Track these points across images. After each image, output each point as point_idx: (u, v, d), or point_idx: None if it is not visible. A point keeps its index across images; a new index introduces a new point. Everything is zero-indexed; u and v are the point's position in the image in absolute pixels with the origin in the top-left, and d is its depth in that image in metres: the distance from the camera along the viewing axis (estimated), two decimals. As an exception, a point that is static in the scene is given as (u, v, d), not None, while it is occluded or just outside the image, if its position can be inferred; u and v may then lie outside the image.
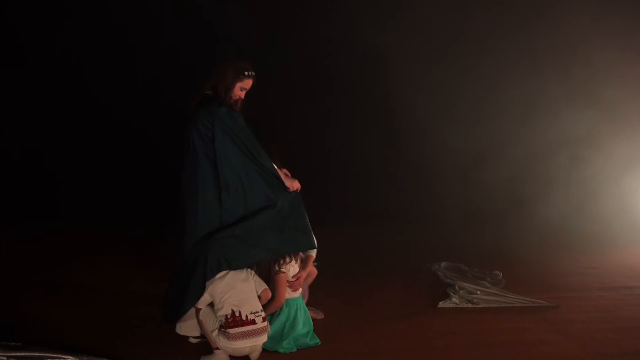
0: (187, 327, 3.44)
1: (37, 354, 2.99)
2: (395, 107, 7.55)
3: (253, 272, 3.33)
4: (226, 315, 3.12)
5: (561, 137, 7.28)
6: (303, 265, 3.64)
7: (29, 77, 7.21)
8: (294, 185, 3.56)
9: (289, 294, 3.51)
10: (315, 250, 3.72)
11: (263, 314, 3.22)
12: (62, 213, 7.14)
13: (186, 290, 3.18)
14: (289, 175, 3.62)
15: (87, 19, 7.20)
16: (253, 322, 3.13)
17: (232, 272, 3.21)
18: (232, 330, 3.08)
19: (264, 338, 3.19)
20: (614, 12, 6.81)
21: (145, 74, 7.36)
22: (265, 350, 3.29)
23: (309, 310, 3.74)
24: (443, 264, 5.44)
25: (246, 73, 3.36)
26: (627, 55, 6.92)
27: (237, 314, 3.11)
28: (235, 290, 3.17)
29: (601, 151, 7.25)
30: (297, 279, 3.53)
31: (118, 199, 7.27)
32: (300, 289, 3.61)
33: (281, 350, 3.33)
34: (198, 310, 3.22)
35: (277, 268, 3.44)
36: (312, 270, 3.69)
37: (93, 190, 7.37)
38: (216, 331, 3.13)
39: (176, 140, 3.50)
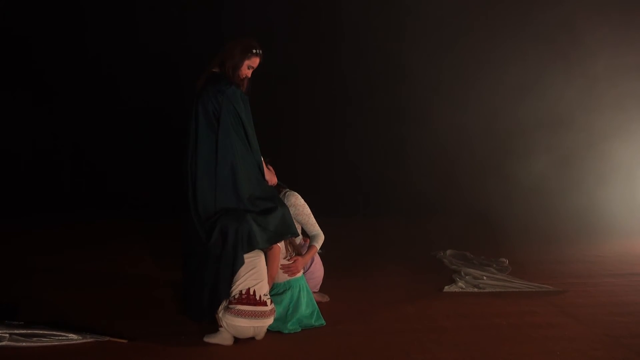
0: None
1: (40, 332, 2.98)
2: (406, 106, 7.57)
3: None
4: (240, 292, 3.09)
5: (567, 128, 7.27)
6: (305, 252, 3.63)
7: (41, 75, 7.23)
8: (272, 180, 3.57)
9: (286, 276, 3.47)
10: (320, 242, 3.70)
11: (270, 297, 3.19)
12: (71, 203, 7.18)
13: (218, 273, 3.11)
14: (273, 172, 3.64)
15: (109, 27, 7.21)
16: (264, 303, 3.11)
17: (256, 252, 3.20)
18: (242, 307, 3.05)
19: (270, 321, 3.15)
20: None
21: (165, 60, 7.31)
22: (269, 330, 3.25)
23: (314, 294, 3.71)
24: (449, 252, 5.41)
25: (254, 51, 3.32)
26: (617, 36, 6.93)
27: (251, 293, 3.09)
28: (256, 270, 3.16)
29: (610, 142, 7.23)
30: (294, 261, 3.49)
31: (131, 189, 7.28)
32: (302, 272, 3.56)
33: (285, 332, 3.29)
34: None
35: None
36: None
37: (106, 180, 7.40)
38: (222, 311, 3.10)
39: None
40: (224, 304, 3.10)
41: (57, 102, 7.44)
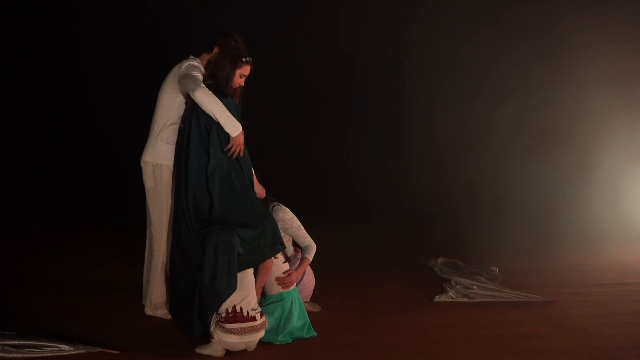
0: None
1: (31, 343, 2.98)
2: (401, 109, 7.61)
3: None
4: (227, 310, 3.08)
5: (557, 136, 7.33)
6: (298, 265, 3.65)
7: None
8: (261, 194, 3.61)
9: (279, 288, 3.49)
10: (313, 253, 3.71)
11: (260, 309, 3.21)
12: (51, 207, 7.05)
13: (205, 287, 3.10)
14: (261, 186, 3.67)
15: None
16: (253, 318, 3.11)
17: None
18: (230, 326, 3.05)
19: (261, 334, 3.17)
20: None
21: (134, 63, 7.15)
22: (260, 341, 3.26)
23: (305, 303, 3.73)
24: (439, 260, 5.43)
25: (244, 59, 3.36)
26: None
27: (238, 310, 3.08)
28: (242, 285, 3.15)
29: (595, 151, 7.27)
30: (288, 275, 3.51)
31: (108, 193, 7.16)
32: (295, 284, 3.59)
33: (277, 343, 3.31)
34: None
35: None
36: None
37: (81, 185, 7.27)
38: (214, 325, 3.11)
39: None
40: (215, 317, 3.12)
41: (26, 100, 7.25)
